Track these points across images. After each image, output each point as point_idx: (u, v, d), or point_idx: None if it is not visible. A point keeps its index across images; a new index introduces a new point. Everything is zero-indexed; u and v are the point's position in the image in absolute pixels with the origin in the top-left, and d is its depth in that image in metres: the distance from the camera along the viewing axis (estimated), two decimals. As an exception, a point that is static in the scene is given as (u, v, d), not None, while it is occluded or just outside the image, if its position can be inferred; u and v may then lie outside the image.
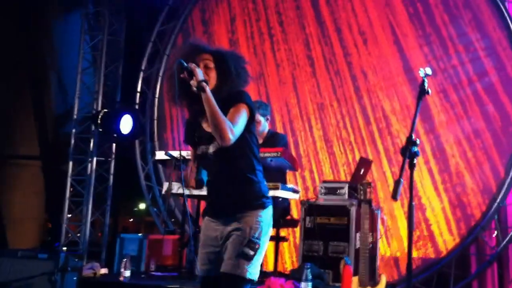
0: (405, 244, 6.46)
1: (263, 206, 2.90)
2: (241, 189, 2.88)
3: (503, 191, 6.25)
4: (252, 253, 2.77)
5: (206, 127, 2.97)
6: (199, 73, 2.79)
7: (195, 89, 2.79)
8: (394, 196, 2.75)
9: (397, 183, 2.74)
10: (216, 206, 2.97)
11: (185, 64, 2.81)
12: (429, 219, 6.58)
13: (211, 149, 2.91)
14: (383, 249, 6.61)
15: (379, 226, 5.48)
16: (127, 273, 5.25)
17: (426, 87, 2.92)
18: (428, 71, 2.93)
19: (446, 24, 6.91)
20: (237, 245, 2.79)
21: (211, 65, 2.95)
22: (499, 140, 6.44)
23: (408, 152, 2.79)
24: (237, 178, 2.86)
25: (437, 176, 6.64)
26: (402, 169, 2.77)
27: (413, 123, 2.87)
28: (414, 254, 6.50)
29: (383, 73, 7.20)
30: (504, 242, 6.20)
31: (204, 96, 2.75)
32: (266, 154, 5.03)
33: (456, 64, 6.78)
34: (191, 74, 2.79)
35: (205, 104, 2.75)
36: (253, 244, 2.78)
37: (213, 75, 2.94)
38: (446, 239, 6.49)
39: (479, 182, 6.44)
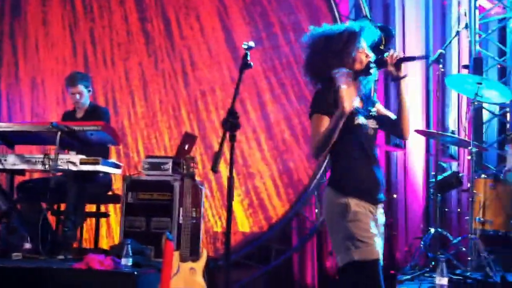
0: (237, 218, 6.57)
1: None
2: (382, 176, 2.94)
3: (321, 169, 6.41)
4: None
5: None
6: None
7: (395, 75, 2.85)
8: (213, 168, 2.73)
9: (216, 155, 2.73)
10: (372, 190, 2.89)
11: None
12: (258, 187, 6.67)
13: (371, 125, 2.93)
14: (214, 223, 6.66)
15: (203, 201, 5.48)
16: None
17: (248, 60, 2.93)
18: (251, 44, 2.95)
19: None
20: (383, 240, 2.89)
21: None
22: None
23: (229, 124, 2.80)
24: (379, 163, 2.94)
25: (264, 144, 6.73)
26: (222, 141, 2.77)
27: (235, 95, 2.87)
28: (245, 223, 6.61)
29: (208, 50, 7.06)
30: (323, 216, 6.46)
31: (403, 86, 2.87)
32: (86, 128, 4.91)
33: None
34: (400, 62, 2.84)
35: (404, 94, 2.87)
36: None
37: None
38: (276, 205, 6.62)
39: (305, 149, 6.54)
